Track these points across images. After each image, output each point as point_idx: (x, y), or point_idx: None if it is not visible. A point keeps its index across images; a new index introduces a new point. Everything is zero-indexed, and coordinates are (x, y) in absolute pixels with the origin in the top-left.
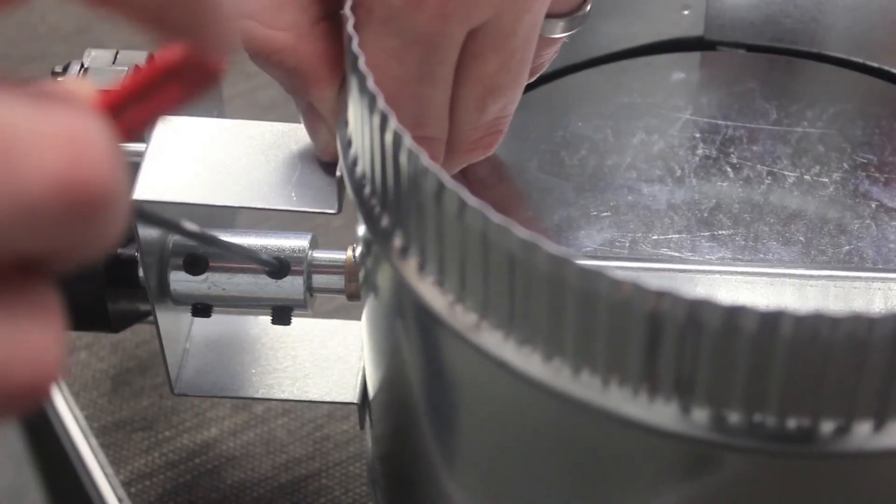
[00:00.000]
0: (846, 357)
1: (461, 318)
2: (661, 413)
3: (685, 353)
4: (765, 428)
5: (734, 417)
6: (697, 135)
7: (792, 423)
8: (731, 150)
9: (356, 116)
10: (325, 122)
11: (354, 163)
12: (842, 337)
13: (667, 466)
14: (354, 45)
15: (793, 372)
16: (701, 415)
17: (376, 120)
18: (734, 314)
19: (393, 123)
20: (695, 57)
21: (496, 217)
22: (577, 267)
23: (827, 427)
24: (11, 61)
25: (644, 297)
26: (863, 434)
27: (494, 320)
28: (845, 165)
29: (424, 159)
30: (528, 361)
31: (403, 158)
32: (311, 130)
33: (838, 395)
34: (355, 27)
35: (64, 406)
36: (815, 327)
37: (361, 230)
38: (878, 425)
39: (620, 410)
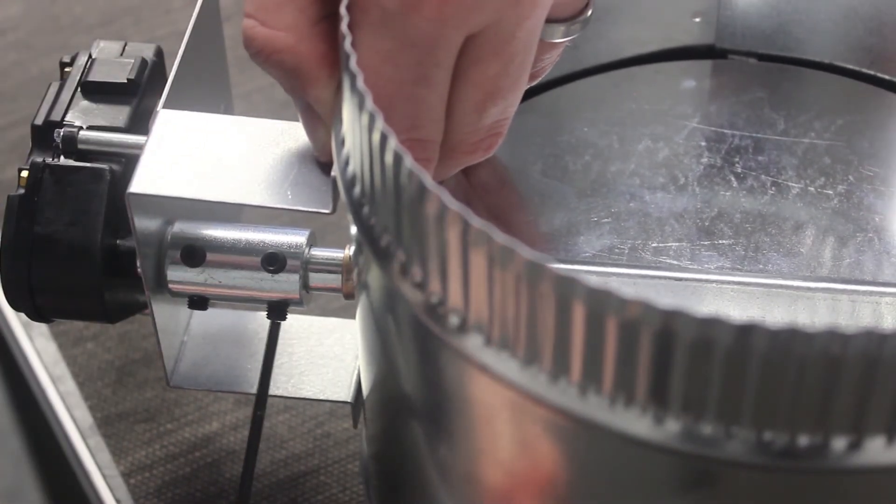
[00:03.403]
0: (858, 373)
1: (443, 324)
2: (669, 431)
3: (694, 372)
4: (775, 445)
5: (744, 435)
6: (703, 143)
7: (803, 440)
8: (737, 159)
9: (348, 116)
10: (322, 122)
11: (347, 162)
12: (852, 354)
13: (674, 483)
14: (347, 44)
15: (803, 389)
16: (710, 432)
17: (365, 119)
18: (746, 332)
19: (380, 123)
20: (705, 65)
21: (477, 221)
22: (585, 286)
23: (839, 443)
24: (32, 52)
25: (653, 316)
26: (875, 449)
27: (473, 325)
28: (851, 178)
29: (408, 161)
30: (534, 380)
31: (389, 159)
32: (309, 130)
33: (849, 411)
34: (350, 27)
35: (62, 407)
36: (826, 344)
37: (353, 229)
38: (891, 439)
39: (627, 428)
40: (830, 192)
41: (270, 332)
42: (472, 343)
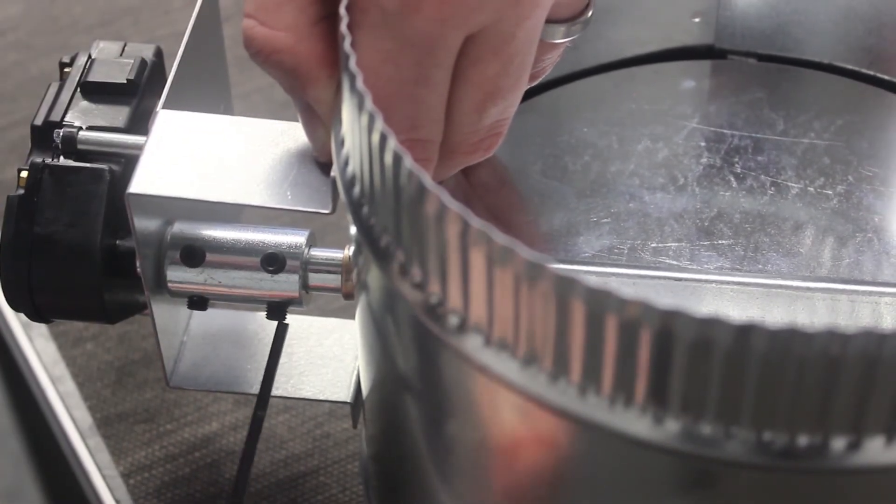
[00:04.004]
0: (857, 373)
1: (443, 324)
2: (669, 431)
3: (694, 372)
4: (775, 445)
5: (744, 435)
6: (703, 143)
7: (803, 440)
8: (736, 159)
9: (348, 116)
10: (322, 122)
11: (346, 162)
12: (852, 354)
13: (674, 484)
14: (347, 45)
15: (803, 389)
16: (709, 433)
17: (364, 119)
18: (745, 332)
19: (379, 123)
20: (705, 65)
21: (477, 221)
22: (585, 286)
23: (838, 443)
24: (32, 52)
25: (653, 316)
26: (875, 449)
27: (473, 326)
28: (850, 178)
29: (408, 161)
30: (534, 380)
31: (388, 159)
32: (309, 130)
33: (848, 411)
34: (350, 27)
35: (62, 407)
36: (825, 344)
37: (353, 229)
38: (890, 439)
39: (627, 428)
40: (830, 192)
41: (277, 333)
42: (472, 343)
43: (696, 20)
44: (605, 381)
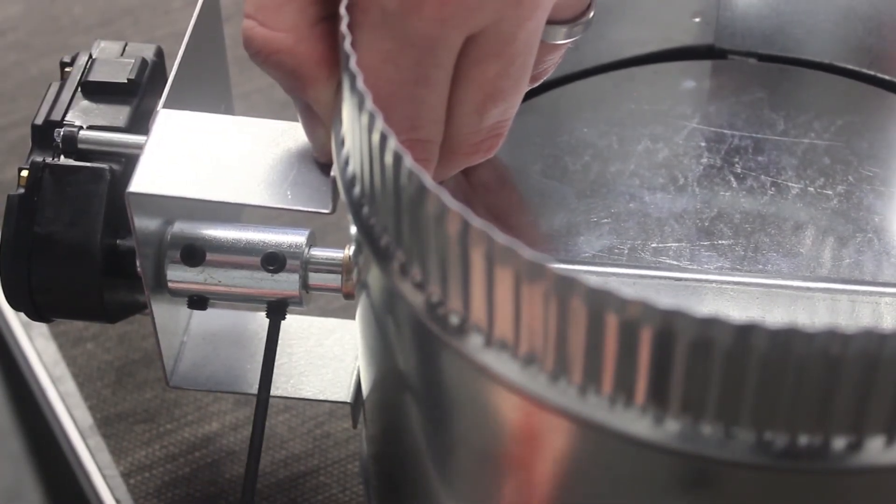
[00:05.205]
0: (857, 373)
1: (443, 324)
2: (669, 431)
3: (694, 372)
4: (775, 445)
5: (744, 435)
6: (703, 144)
7: (803, 440)
8: (736, 159)
9: (348, 116)
10: (322, 122)
11: (346, 162)
12: (852, 354)
13: (674, 484)
14: (347, 45)
15: (803, 389)
16: (709, 433)
17: (365, 119)
18: (745, 332)
19: (380, 123)
20: (705, 65)
21: (477, 221)
22: (585, 286)
23: (839, 443)
24: (32, 52)
25: (653, 316)
26: (875, 449)
27: (473, 326)
28: (850, 178)
29: (408, 161)
30: (534, 380)
31: (388, 159)
32: (309, 130)
33: (849, 411)
34: (350, 27)
35: (62, 407)
36: (826, 344)
37: (353, 229)
38: (891, 439)
39: (627, 428)
40: (830, 192)
41: (269, 334)
42: (472, 343)
43: (696, 20)
44: (605, 381)
